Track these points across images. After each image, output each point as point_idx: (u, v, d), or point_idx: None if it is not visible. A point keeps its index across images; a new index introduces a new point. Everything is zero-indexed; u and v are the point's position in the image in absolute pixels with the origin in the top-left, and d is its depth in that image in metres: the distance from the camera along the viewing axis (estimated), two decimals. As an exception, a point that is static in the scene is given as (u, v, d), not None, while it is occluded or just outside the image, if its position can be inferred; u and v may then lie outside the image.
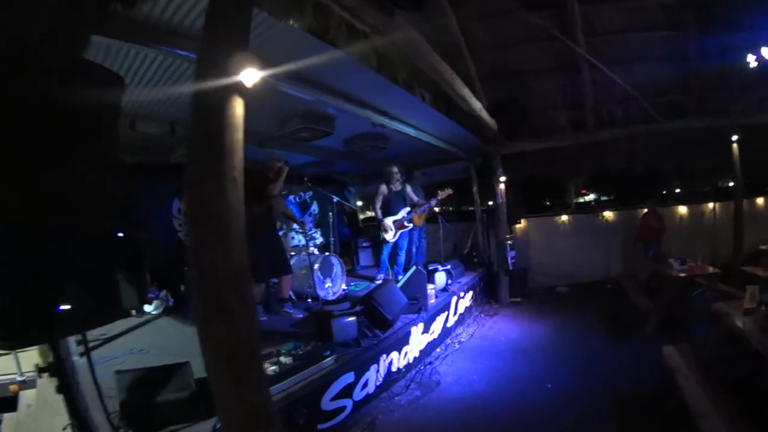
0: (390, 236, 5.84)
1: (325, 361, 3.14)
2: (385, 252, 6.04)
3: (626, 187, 9.88)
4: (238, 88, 1.65)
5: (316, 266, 5.18)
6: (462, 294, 5.73)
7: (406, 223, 5.85)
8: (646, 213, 7.17)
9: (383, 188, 5.87)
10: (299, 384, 2.87)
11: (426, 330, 4.48)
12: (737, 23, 5.05)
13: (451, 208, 12.63)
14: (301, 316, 4.56)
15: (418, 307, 4.44)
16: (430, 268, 5.63)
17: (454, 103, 5.46)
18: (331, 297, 5.29)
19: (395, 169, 5.88)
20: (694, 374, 2.80)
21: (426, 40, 3.63)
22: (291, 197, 7.94)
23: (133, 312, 3.87)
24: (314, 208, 8.29)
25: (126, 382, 2.43)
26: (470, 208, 8.55)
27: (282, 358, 3.20)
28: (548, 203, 13.73)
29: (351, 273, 7.43)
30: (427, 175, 7.61)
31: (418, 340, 4.34)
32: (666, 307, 4.64)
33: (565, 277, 7.67)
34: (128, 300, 1.90)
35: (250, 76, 1.79)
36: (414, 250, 6.75)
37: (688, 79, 6.19)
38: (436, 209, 6.99)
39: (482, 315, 6.31)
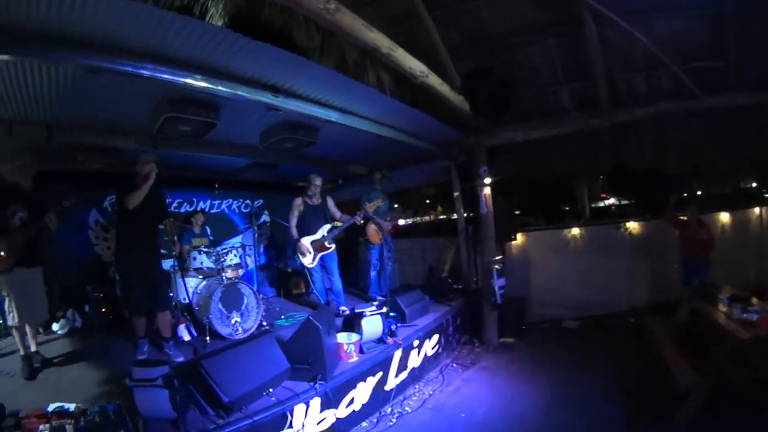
0: (308, 260, 4.72)
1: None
2: (314, 280, 4.87)
3: (653, 188, 7.91)
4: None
5: (216, 296, 4.02)
6: (417, 343, 4.13)
7: (327, 244, 4.77)
8: (685, 221, 5.26)
9: (297, 202, 4.84)
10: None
11: (330, 405, 2.92)
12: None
13: (430, 218, 10.95)
14: (180, 360, 3.44)
15: (313, 374, 2.88)
16: (357, 310, 4.05)
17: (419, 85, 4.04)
18: (240, 335, 4.03)
19: (316, 180, 4.85)
20: None
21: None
22: (234, 205, 6.58)
23: (39, 329, 4.12)
24: (265, 218, 6.87)
25: None
26: (454, 218, 6.87)
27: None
28: (556, 212, 11.39)
29: (299, 300, 6.01)
30: (395, 180, 6.05)
31: (313, 420, 2.79)
32: (717, 378, 2.88)
33: (575, 307, 5.94)
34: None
35: None
36: (373, 274, 5.42)
37: (726, 38, 4.40)
38: (404, 221, 5.52)
39: (454, 364, 4.68)
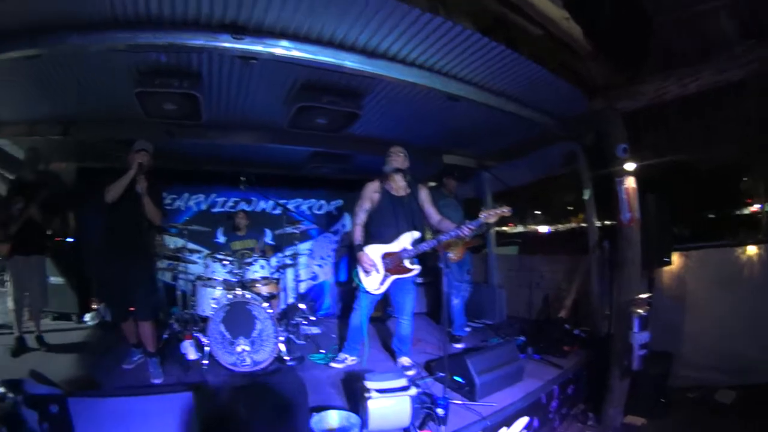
0: (371, 283, 3.15)
1: None
2: (358, 309, 3.27)
3: None
4: None
5: (217, 316, 3.26)
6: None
7: (408, 264, 3.11)
8: None
9: (372, 188, 3.22)
10: None
11: None
12: None
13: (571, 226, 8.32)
14: (158, 381, 3.01)
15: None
16: (367, 381, 2.36)
17: (520, 26, 2.72)
18: (247, 367, 3.19)
19: (398, 153, 3.20)
20: None
21: None
22: (303, 205, 5.80)
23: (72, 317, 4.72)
24: (346, 223, 5.94)
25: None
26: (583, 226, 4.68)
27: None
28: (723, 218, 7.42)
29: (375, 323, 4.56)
30: (504, 176, 4.46)
31: None
32: None
33: (736, 369, 3.54)
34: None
35: None
36: (457, 301, 4.11)
37: None
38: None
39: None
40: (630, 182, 3.21)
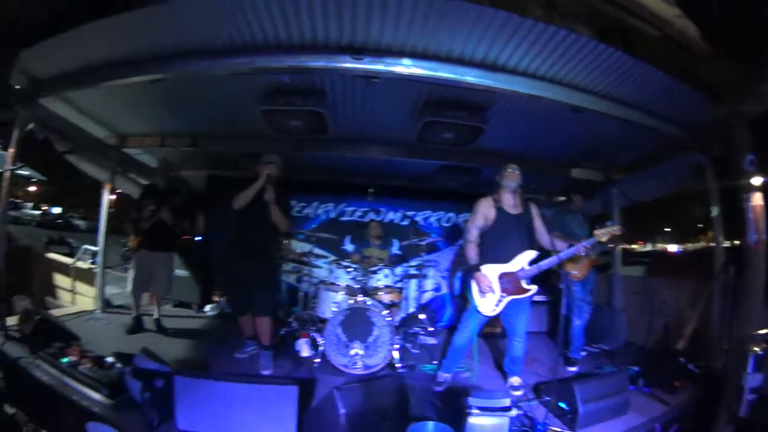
0: (487, 305, 3.00)
1: None
2: (464, 330, 3.13)
3: None
4: None
5: (336, 319, 3.44)
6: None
7: (524, 284, 2.98)
8: None
9: (485, 204, 3.11)
10: None
11: None
12: None
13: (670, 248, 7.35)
14: (267, 372, 3.25)
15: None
16: (472, 399, 2.27)
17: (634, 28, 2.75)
18: (358, 370, 3.33)
19: (511, 170, 3.08)
20: None
21: None
22: (432, 218, 5.89)
23: (193, 307, 5.25)
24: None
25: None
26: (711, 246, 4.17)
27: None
28: None
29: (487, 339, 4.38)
30: (629, 191, 4.45)
31: None
32: None
33: None
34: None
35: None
36: (578, 323, 3.85)
37: None
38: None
39: None
40: (758, 199, 2.85)
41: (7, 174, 3.42)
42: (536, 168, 4.54)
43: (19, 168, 3.85)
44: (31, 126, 3.57)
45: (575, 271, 3.76)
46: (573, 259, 3.42)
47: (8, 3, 2.27)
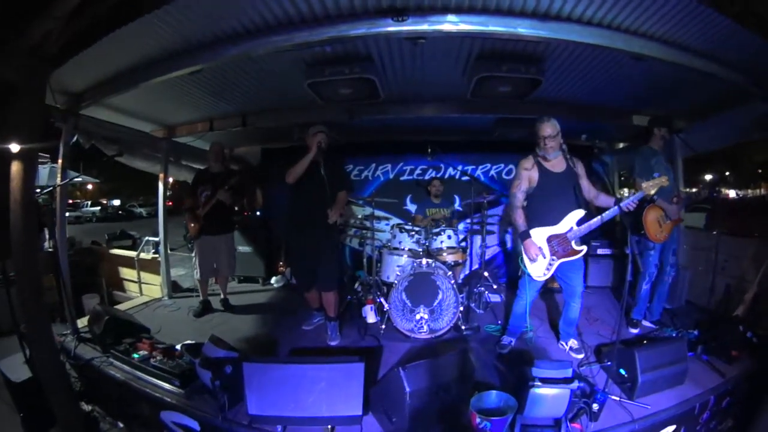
0: (538, 270, 3.00)
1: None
2: (522, 296, 3.16)
3: None
4: None
5: (401, 285, 3.53)
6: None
7: (575, 245, 2.92)
8: None
9: (527, 165, 3.04)
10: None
11: None
12: None
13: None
14: (334, 344, 3.42)
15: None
16: (536, 370, 2.30)
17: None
18: (423, 334, 3.46)
19: (549, 126, 2.92)
20: None
21: None
22: (492, 170, 5.67)
23: (259, 281, 5.37)
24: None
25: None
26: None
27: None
28: None
29: (545, 296, 4.34)
30: (691, 140, 4.14)
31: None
32: None
33: None
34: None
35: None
36: (646, 287, 3.67)
37: None
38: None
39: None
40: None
41: (60, 186, 3.43)
42: (597, 116, 4.28)
43: (71, 179, 3.97)
44: (75, 137, 3.60)
45: (654, 235, 3.46)
46: (649, 220, 3.32)
47: (32, 36, 2.19)
